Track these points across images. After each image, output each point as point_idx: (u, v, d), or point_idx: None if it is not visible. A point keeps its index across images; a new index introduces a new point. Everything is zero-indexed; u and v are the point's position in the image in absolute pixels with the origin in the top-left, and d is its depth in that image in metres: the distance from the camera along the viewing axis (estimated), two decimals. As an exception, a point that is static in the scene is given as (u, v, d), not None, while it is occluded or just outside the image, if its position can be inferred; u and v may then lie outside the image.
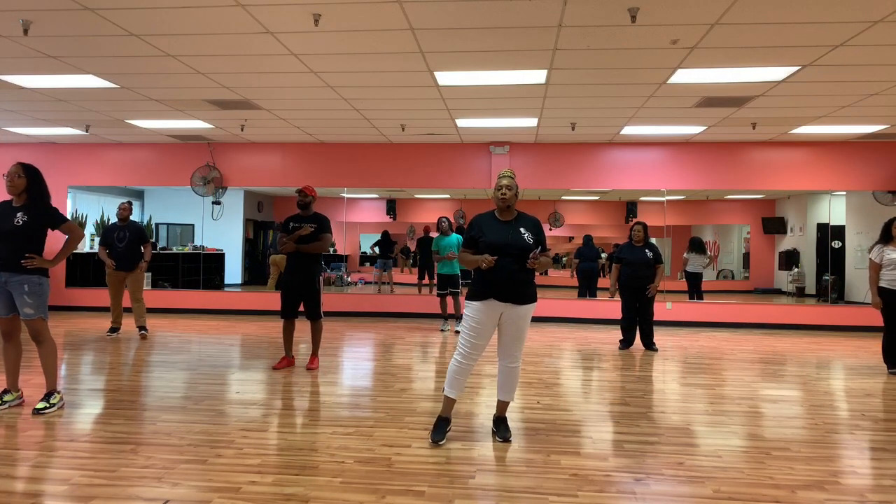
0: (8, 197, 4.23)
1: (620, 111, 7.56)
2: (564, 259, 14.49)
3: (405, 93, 6.86)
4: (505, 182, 3.74)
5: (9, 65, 6.02)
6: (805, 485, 3.09)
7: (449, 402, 3.76)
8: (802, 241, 11.26)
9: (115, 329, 7.47)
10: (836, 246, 10.11)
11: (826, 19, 4.63)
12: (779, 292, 11.80)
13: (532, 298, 3.70)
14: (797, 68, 5.75)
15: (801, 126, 8.21)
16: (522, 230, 3.70)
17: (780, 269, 11.85)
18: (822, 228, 10.39)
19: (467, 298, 3.73)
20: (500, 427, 3.81)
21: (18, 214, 4.09)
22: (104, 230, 7.57)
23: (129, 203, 7.53)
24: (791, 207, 11.61)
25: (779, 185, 9.44)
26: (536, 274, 3.75)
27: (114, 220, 7.71)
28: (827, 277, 10.12)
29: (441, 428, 3.72)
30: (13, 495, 2.82)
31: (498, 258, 3.58)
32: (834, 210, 10.09)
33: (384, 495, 2.88)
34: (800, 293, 11.16)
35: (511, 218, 3.77)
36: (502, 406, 3.86)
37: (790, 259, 11.50)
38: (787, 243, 11.70)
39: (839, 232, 10.16)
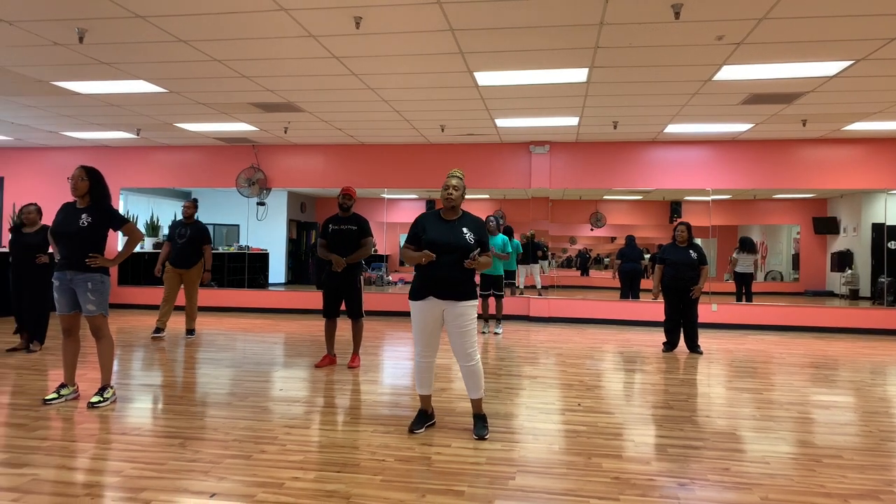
0: (70, 198, 4.43)
1: (664, 109, 7.43)
2: (607, 260, 14.28)
3: (445, 94, 6.88)
4: (453, 182, 3.85)
5: (66, 72, 6.27)
6: (858, 494, 2.98)
7: (424, 398, 3.93)
8: (856, 241, 10.84)
9: (159, 330, 7.32)
10: (893, 247, 9.71)
11: (880, 11, 4.45)
12: (831, 294, 11.39)
13: (470, 296, 3.76)
14: (850, 63, 5.55)
15: (854, 122, 7.92)
16: (465, 230, 3.78)
17: (832, 270, 11.44)
18: (878, 228, 9.99)
19: (409, 297, 3.84)
20: (476, 424, 3.84)
21: (83, 216, 4.28)
22: (171, 225, 7.65)
23: (193, 201, 7.57)
24: (844, 207, 11.19)
25: (831, 183, 9.13)
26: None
27: (167, 220, 7.76)
28: (883, 279, 9.73)
29: (420, 420, 3.90)
30: (69, 485, 2.94)
31: (438, 256, 3.69)
32: (890, 209, 9.70)
33: (424, 494, 2.89)
34: (853, 296, 10.75)
35: (455, 217, 3.86)
36: (474, 403, 3.88)
37: (843, 260, 11.09)
38: (839, 244, 11.28)
39: (896, 232, 9.76)
